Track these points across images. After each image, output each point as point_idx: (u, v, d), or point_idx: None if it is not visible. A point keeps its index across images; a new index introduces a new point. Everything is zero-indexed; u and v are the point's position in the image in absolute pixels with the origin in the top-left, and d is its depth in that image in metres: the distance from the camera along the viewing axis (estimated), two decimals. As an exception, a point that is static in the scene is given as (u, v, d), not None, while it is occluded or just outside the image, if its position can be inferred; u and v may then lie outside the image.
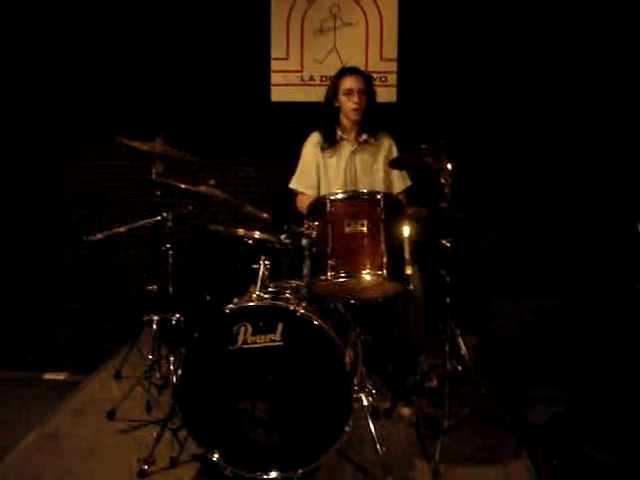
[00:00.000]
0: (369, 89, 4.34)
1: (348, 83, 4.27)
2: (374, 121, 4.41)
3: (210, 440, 3.20)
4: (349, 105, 4.29)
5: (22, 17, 5.23)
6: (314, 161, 4.44)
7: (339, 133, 4.41)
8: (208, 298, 3.82)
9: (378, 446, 3.29)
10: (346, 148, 4.41)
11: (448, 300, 3.59)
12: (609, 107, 4.92)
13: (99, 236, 3.84)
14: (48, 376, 5.48)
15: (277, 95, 5.20)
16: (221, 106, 5.22)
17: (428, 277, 4.03)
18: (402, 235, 3.38)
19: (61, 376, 5.47)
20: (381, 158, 4.42)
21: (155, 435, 3.38)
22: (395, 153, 4.40)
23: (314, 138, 4.48)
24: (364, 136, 4.40)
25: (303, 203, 4.37)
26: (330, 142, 4.40)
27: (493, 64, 4.98)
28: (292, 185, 4.51)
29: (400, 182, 4.46)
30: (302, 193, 4.47)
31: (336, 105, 4.36)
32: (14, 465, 3.40)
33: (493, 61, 4.98)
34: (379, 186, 4.34)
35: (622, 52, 4.88)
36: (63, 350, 5.54)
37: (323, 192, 4.35)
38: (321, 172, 4.45)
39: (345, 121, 4.40)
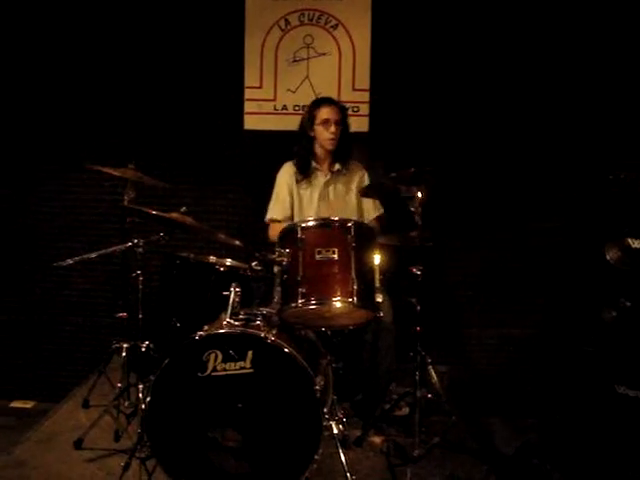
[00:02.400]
0: (344, 120, 4.39)
1: (325, 113, 4.31)
2: (347, 151, 4.45)
3: (179, 469, 3.17)
4: (325, 135, 4.32)
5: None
6: (288, 191, 4.45)
7: (313, 164, 4.43)
8: (178, 325, 3.81)
9: (348, 475, 3.28)
10: (320, 178, 4.44)
11: (418, 328, 3.61)
12: (575, 139, 4.99)
13: (69, 262, 3.82)
14: (15, 404, 5.39)
15: (250, 123, 5.21)
16: (194, 133, 5.22)
17: (399, 305, 4.05)
18: (373, 263, 3.41)
19: (28, 404, 5.38)
20: (354, 187, 4.45)
21: (123, 464, 3.34)
22: (367, 182, 4.43)
23: (288, 169, 4.50)
24: (337, 166, 4.43)
25: (277, 232, 4.37)
26: (304, 172, 4.42)
27: (464, 94, 5.04)
28: (269, 216, 4.49)
29: (372, 210, 4.47)
30: (277, 222, 4.45)
31: (311, 135, 4.38)
32: (-22, 494, 3.35)
33: (464, 91, 5.03)
34: (352, 215, 4.32)
35: (596, 84, 4.97)
36: (31, 378, 5.46)
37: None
38: (295, 202, 4.46)
39: (319, 151, 4.42)
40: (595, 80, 4.95)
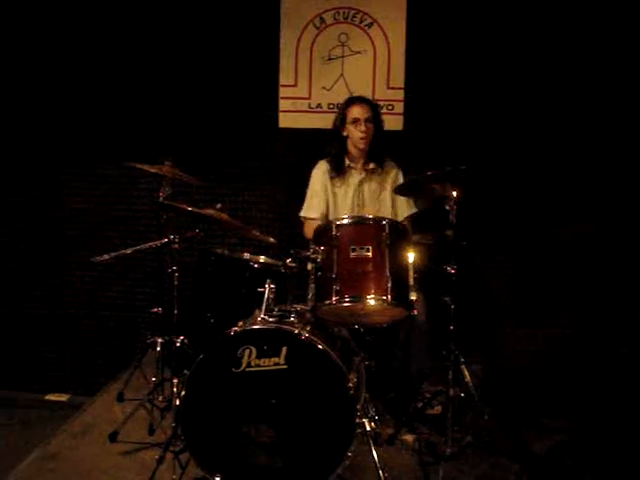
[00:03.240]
0: (376, 118, 4.39)
1: (355, 112, 4.33)
2: (381, 150, 4.44)
3: (212, 463, 3.20)
4: (356, 134, 4.33)
5: (26, 38, 5.29)
6: (323, 189, 4.47)
7: (347, 162, 4.44)
8: (212, 321, 3.83)
9: (380, 472, 3.28)
10: (354, 177, 4.45)
11: (452, 327, 3.60)
12: (612, 139, 4.95)
13: (106, 257, 3.86)
14: (50, 397, 5.47)
15: (285, 121, 5.23)
16: (229, 131, 5.25)
17: (433, 304, 4.04)
18: (407, 261, 3.41)
19: (64, 397, 5.46)
20: (388, 187, 4.45)
21: (157, 457, 3.36)
22: (401, 181, 4.43)
23: (322, 166, 4.51)
24: (372, 165, 4.44)
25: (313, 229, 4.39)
26: (338, 171, 4.43)
27: (500, 93, 5.01)
28: (303, 213, 4.53)
29: (405, 209, 4.47)
30: (312, 219, 4.47)
31: (344, 134, 4.40)
32: (15, 485, 3.40)
33: (500, 89, 5.00)
34: (386, 214, 4.34)
35: (631, 84, 4.92)
36: (66, 371, 5.54)
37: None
38: (329, 200, 4.48)
39: (353, 150, 4.43)
40: (630, 79, 4.90)
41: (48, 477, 3.48)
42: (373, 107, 4.41)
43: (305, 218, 4.52)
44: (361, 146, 4.37)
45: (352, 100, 4.43)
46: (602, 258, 4.98)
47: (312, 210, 4.49)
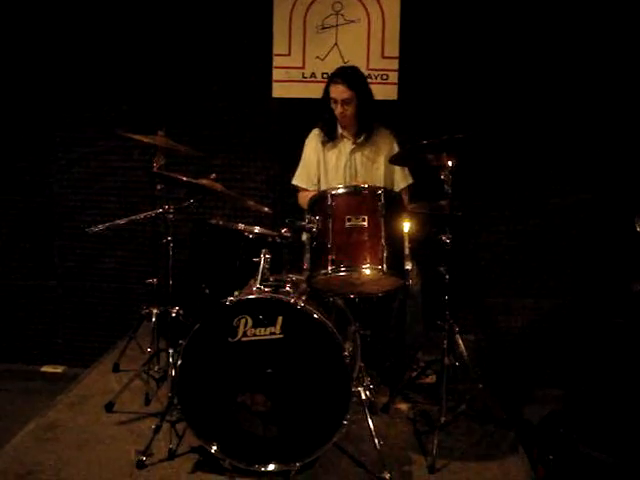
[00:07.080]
0: (361, 93, 4.27)
1: (332, 92, 4.25)
2: (372, 120, 4.38)
3: (209, 432, 3.22)
4: (336, 112, 4.29)
5: (22, 10, 5.22)
6: (315, 157, 4.46)
7: (339, 130, 4.42)
8: (207, 291, 3.83)
9: (376, 440, 3.30)
10: (347, 145, 4.42)
11: (447, 297, 3.60)
12: (608, 108, 4.93)
13: (100, 228, 3.84)
14: (46, 369, 5.48)
15: (278, 91, 5.19)
16: (223, 101, 5.21)
17: (427, 274, 4.04)
18: (402, 230, 3.40)
19: (59, 369, 5.47)
20: (382, 155, 4.41)
21: (153, 427, 3.38)
22: (396, 150, 4.39)
23: (315, 134, 4.50)
24: (364, 135, 4.40)
25: (305, 200, 4.37)
26: (330, 136, 4.42)
27: (495, 61, 4.97)
28: (294, 182, 4.54)
29: (402, 180, 4.45)
30: (304, 189, 4.48)
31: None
32: (12, 455, 3.41)
33: (495, 58, 4.97)
34: (379, 183, 4.33)
35: (620, 54, 4.89)
36: (61, 343, 5.55)
37: (323, 188, 4.36)
38: (321, 168, 4.46)
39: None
40: (626, 49, 4.88)
41: (45, 447, 3.49)
42: (354, 84, 4.24)
43: (298, 187, 4.54)
44: (342, 122, 4.36)
45: (332, 77, 4.32)
46: (597, 230, 4.99)
47: (302, 179, 4.50)
